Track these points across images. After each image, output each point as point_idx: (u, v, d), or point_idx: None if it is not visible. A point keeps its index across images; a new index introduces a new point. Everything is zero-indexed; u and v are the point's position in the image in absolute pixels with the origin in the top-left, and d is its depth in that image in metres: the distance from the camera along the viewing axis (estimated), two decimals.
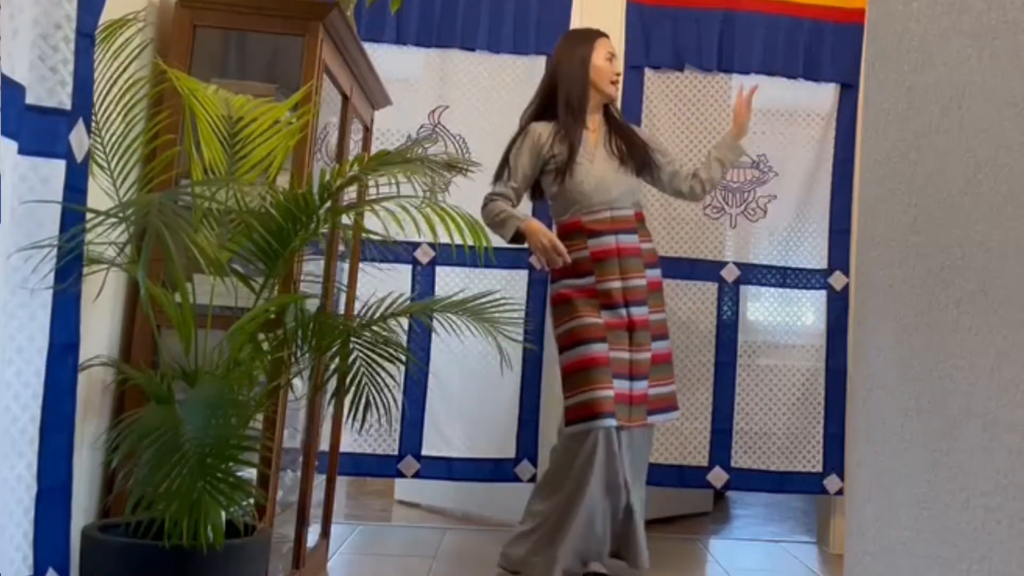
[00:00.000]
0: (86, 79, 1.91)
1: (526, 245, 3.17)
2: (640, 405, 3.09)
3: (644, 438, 3.16)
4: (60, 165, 1.84)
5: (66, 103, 1.85)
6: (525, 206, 3.38)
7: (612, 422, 2.99)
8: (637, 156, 3.24)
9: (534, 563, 3.05)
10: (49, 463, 1.84)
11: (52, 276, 1.82)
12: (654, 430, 3.28)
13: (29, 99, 1.76)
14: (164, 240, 1.71)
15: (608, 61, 3.23)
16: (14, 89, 1.68)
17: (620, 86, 3.40)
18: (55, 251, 1.82)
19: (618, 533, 3.11)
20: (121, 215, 1.83)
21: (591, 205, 3.14)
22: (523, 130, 3.23)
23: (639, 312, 3.12)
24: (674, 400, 3.24)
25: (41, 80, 1.80)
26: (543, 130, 3.20)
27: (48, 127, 1.81)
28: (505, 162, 3.22)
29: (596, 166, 3.17)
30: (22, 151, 1.73)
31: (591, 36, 3.27)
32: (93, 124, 2.04)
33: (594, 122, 3.25)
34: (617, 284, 3.11)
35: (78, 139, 1.89)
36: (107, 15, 2.00)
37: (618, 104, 3.42)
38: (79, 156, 1.90)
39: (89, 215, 1.90)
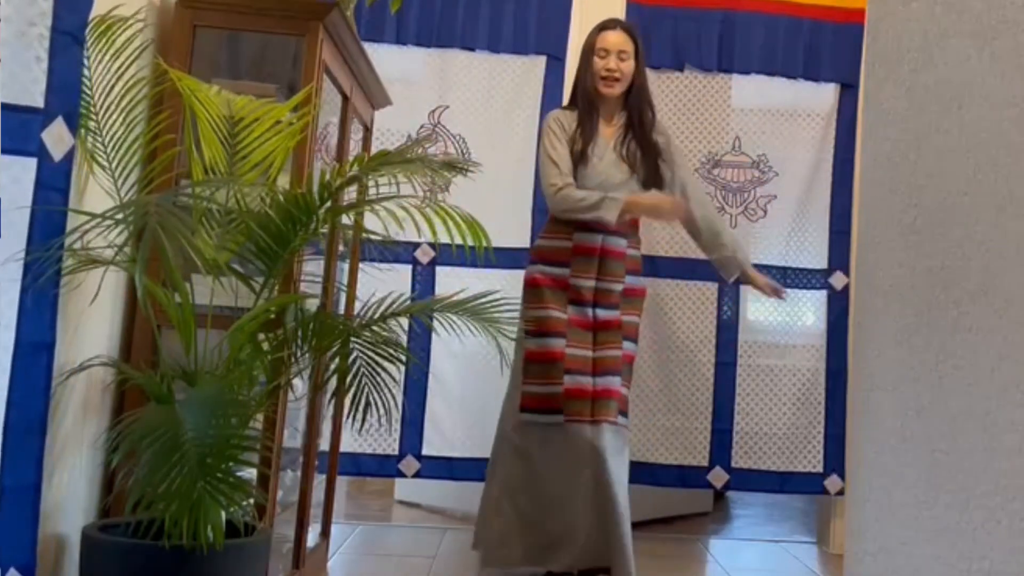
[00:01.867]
0: (67, 77, 1.89)
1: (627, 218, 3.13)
2: (607, 400, 3.05)
3: (617, 438, 3.07)
4: (31, 163, 1.82)
5: (38, 101, 1.83)
6: (525, 199, 3.38)
7: (559, 418, 3.03)
8: (646, 168, 3.16)
9: (499, 554, 3.10)
10: (16, 463, 1.81)
11: (20, 274, 1.80)
12: (626, 432, 3.15)
13: None
14: (160, 241, 1.71)
15: (601, 58, 3.15)
16: None
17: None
18: (24, 251, 1.80)
19: (596, 537, 3.01)
20: (116, 217, 1.82)
21: None
22: (546, 124, 3.22)
23: (606, 314, 3.11)
24: (626, 405, 3.14)
25: (12, 77, 1.77)
26: (563, 117, 3.18)
27: (18, 125, 1.79)
28: (549, 159, 3.15)
29: (602, 166, 3.14)
30: None
31: (598, 28, 3.21)
32: (94, 124, 2.04)
33: (613, 119, 3.20)
34: (590, 283, 3.10)
35: (56, 138, 1.87)
36: (110, 15, 2.00)
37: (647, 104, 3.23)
38: (56, 155, 1.88)
39: (85, 216, 1.89)
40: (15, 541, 1.83)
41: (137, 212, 1.80)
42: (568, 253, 3.11)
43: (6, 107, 1.76)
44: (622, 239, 3.14)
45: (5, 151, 1.76)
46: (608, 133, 3.18)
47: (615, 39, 3.17)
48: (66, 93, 1.90)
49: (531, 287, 3.16)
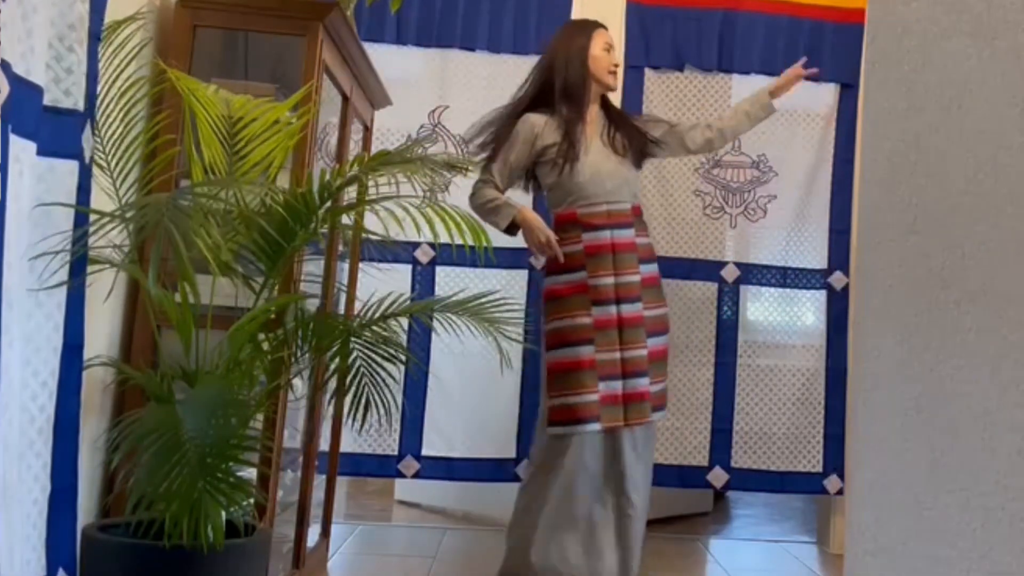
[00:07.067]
0: (93, 80, 1.91)
1: (519, 235, 3.12)
2: (639, 403, 3.03)
3: (646, 437, 3.09)
4: (74, 166, 1.84)
5: (80, 104, 1.84)
6: (524, 199, 3.36)
7: (595, 427, 2.97)
8: (636, 146, 3.19)
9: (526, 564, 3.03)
10: (60, 464, 1.84)
11: (67, 276, 1.81)
12: (654, 428, 3.18)
13: (46, 100, 1.75)
14: (175, 241, 1.71)
15: (606, 51, 3.18)
16: (31, 90, 1.67)
17: (620, 83, 3.37)
18: (69, 252, 1.81)
19: (614, 538, 3.01)
20: (130, 216, 1.83)
21: (587, 197, 3.09)
22: (513, 120, 3.16)
23: (630, 309, 3.07)
24: (665, 399, 3.16)
25: (57, 81, 1.79)
26: (536, 121, 3.14)
27: (63, 128, 1.81)
28: (496, 150, 3.14)
29: (591, 158, 3.12)
30: (40, 152, 1.73)
31: (589, 27, 3.23)
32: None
33: (591, 113, 3.20)
34: (610, 280, 3.07)
35: (87, 139, 1.90)
36: (109, 15, 2.00)
37: (618, 95, 3.37)
38: (87, 156, 1.90)
39: (96, 216, 1.89)
40: (63, 542, 1.84)
41: (150, 212, 1.81)
42: (581, 256, 3.06)
43: (54, 110, 1.78)
44: (628, 230, 3.12)
45: (51, 154, 1.78)
46: (588, 129, 3.18)
47: (609, 36, 3.23)
48: (91, 95, 1.91)
49: (553, 299, 3.10)
